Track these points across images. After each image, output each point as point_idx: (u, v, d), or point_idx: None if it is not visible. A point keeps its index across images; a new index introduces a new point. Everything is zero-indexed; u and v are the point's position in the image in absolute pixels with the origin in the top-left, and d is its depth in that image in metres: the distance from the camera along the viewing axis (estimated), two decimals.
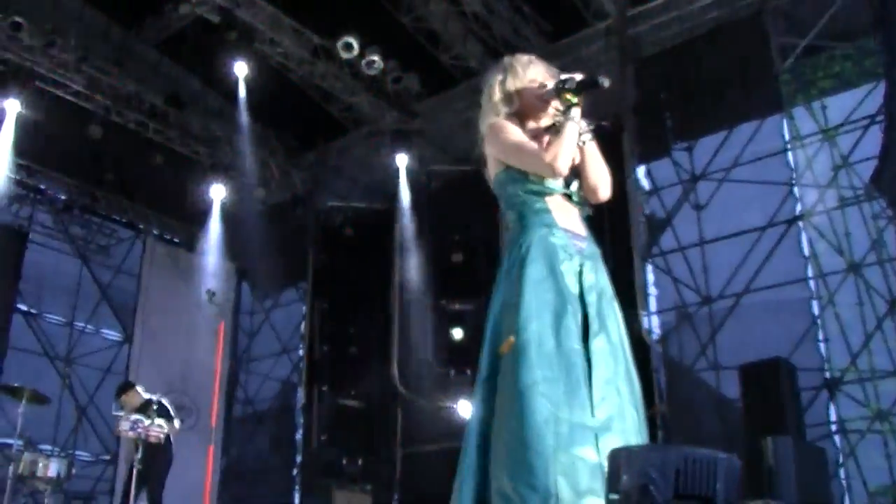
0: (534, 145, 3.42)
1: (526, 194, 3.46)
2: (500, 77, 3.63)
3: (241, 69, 11.74)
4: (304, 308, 15.20)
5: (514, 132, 3.48)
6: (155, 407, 8.51)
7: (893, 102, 8.81)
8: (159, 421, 8.36)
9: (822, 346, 9.85)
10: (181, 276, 14.77)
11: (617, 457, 2.75)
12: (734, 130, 11.00)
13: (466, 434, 3.30)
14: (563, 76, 3.44)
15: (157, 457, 8.58)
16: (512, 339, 3.18)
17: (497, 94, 3.61)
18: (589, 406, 3.11)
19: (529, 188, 3.45)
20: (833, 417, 9.53)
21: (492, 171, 3.59)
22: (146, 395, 9.06)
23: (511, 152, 3.47)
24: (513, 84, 3.59)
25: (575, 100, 3.39)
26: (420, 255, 12.80)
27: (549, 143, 3.41)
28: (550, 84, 3.51)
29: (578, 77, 3.38)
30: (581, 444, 3.03)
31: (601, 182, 3.54)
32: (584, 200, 3.58)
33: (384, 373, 12.81)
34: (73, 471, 9.43)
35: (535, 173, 3.44)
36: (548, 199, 3.45)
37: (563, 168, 3.36)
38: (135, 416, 8.29)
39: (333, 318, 14.08)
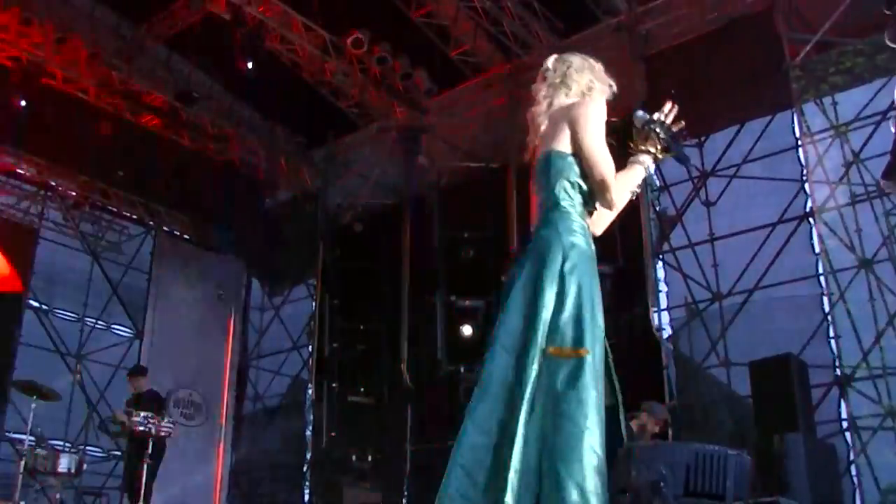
0: (612, 165, 3.24)
1: (578, 194, 3.29)
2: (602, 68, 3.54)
3: (250, 66, 11.73)
4: (313, 304, 15.21)
5: (603, 135, 3.29)
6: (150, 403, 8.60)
7: None
8: (169, 417, 8.40)
9: (833, 342, 9.80)
10: (191, 272, 14.79)
11: (627, 453, 2.74)
12: (744, 127, 10.96)
13: (506, 432, 3.07)
14: (667, 122, 3.38)
15: (157, 451, 8.59)
16: (583, 350, 3.07)
17: (599, 80, 3.50)
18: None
19: (583, 189, 3.30)
20: (844, 414, 9.49)
21: (554, 142, 3.34)
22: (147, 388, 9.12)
23: (592, 152, 3.25)
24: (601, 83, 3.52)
25: (659, 152, 3.36)
26: (429, 252, 12.79)
27: (619, 176, 3.28)
28: (639, 113, 3.41)
29: (676, 136, 3.36)
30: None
31: (604, 224, 3.53)
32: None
33: (394, 369, 12.82)
34: (84, 466, 9.44)
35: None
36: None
37: (618, 206, 3.32)
38: (145, 413, 8.33)
39: (343, 314, 14.08)
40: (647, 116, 3.36)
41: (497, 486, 2.99)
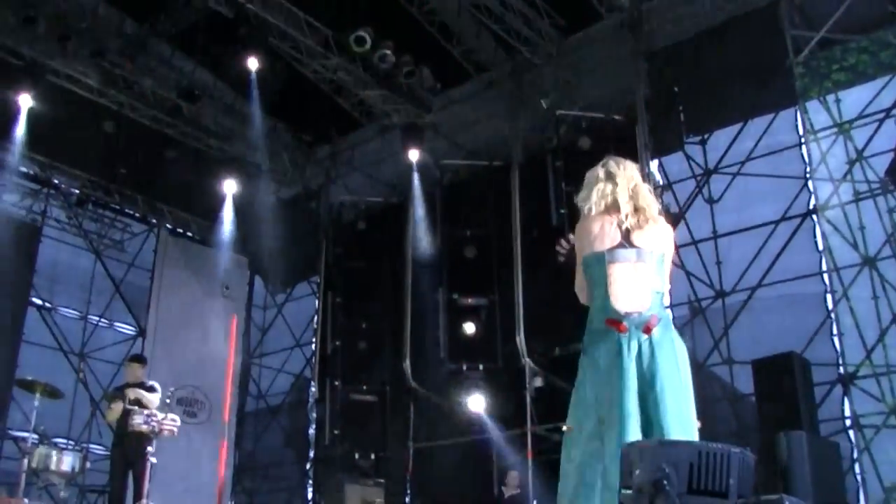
0: None
1: None
2: None
3: (253, 63, 11.71)
4: (316, 302, 15.22)
5: None
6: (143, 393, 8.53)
7: None
8: (172, 415, 8.35)
9: (836, 340, 9.78)
10: (194, 270, 14.79)
11: (630, 452, 2.73)
12: (748, 124, 10.95)
13: None
14: None
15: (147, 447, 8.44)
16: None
17: None
18: None
19: None
20: (847, 412, 9.48)
21: (667, 248, 3.95)
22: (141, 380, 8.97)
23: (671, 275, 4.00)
24: None
25: None
26: (432, 250, 12.78)
27: None
28: None
29: None
30: None
31: None
32: None
33: (396, 367, 12.82)
34: (87, 464, 9.41)
35: None
36: None
37: None
38: (148, 411, 8.30)
39: (346, 312, 14.09)
40: None
41: None
